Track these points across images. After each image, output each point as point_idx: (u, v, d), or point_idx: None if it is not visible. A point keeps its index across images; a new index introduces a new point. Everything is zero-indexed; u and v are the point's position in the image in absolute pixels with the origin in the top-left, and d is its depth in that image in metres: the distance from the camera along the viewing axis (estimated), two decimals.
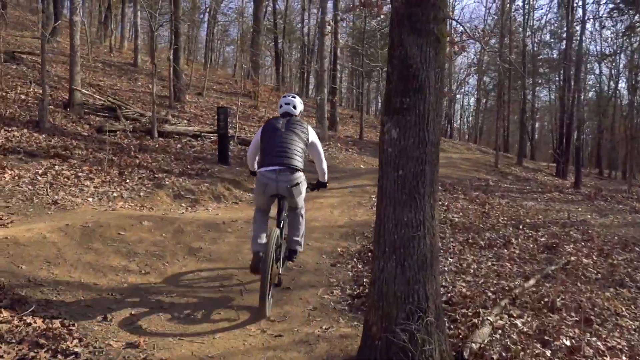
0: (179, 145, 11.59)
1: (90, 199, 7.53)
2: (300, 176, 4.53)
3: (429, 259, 3.26)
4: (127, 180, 8.62)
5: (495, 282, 5.58)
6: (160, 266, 5.49)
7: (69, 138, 9.91)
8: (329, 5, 16.23)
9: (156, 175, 9.21)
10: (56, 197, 7.24)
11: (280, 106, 4.84)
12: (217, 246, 6.35)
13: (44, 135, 9.48)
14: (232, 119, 13.97)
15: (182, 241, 6.28)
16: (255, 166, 4.98)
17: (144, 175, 9.08)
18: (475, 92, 46.59)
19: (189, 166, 10.19)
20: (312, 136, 4.77)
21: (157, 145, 11.11)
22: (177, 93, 16.29)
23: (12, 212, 6.47)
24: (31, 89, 12.11)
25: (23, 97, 11.38)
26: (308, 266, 5.90)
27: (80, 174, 8.20)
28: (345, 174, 12.45)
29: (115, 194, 7.90)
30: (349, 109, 36.08)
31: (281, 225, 4.61)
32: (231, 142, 12.81)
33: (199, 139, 12.36)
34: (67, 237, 5.66)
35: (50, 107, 11.06)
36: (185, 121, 13.89)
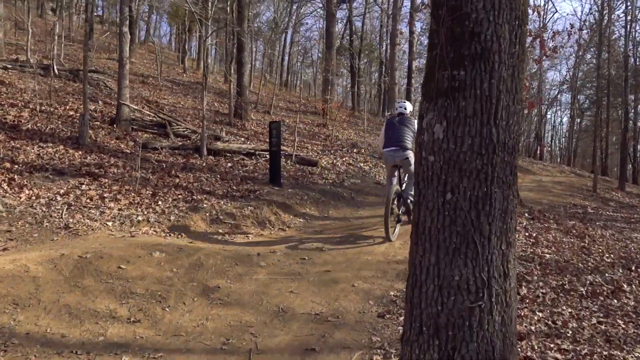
0: (229, 164, 10.68)
1: (110, 223, 6.64)
2: (409, 153, 6.94)
3: (499, 348, 1.88)
4: (160, 202, 7.72)
5: (606, 352, 4.00)
6: (157, 312, 4.39)
7: (108, 155, 9.25)
8: (403, 10, 14.88)
9: (194, 197, 8.27)
10: (70, 220, 6.43)
11: (396, 109, 7.46)
12: (241, 285, 5.19)
13: (80, 152, 8.87)
14: (293, 137, 12.98)
15: (197, 278, 5.17)
16: (382, 148, 7.33)
17: (180, 196, 8.17)
18: (569, 111, 43.18)
19: (234, 187, 9.20)
20: (416, 126, 5.69)
21: (204, 164, 10.25)
22: (240, 110, 15.57)
23: (12, 237, 5.68)
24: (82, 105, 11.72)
25: (72, 113, 10.96)
26: (347, 316, 4.58)
27: (106, 195, 7.39)
28: None
29: (140, 218, 6.99)
30: None
31: (400, 183, 7.25)
32: (288, 162, 11.76)
33: (253, 157, 11.41)
34: (54, 271, 4.71)
35: (96, 122, 10.57)
36: (242, 139, 13.03)
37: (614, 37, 29.20)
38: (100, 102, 12.63)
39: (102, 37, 28.61)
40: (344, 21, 33.24)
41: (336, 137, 16.90)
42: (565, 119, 45.28)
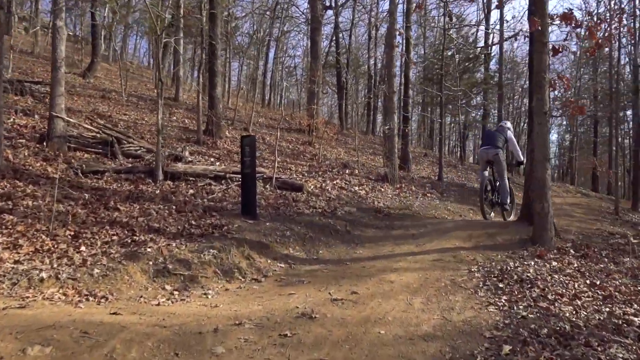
0: (190, 191, 8.57)
1: None
2: (500, 152, 8.97)
3: None
4: (82, 248, 5.59)
5: None
6: None
7: (26, 182, 7.11)
8: (399, 9, 13.02)
9: (136, 238, 6.16)
10: None
11: (496, 128, 9.74)
12: None
13: None
14: (274, 156, 10.96)
15: None
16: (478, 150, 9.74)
17: (115, 237, 6.05)
18: (557, 127, 41.84)
19: (194, 222, 7.10)
20: (509, 135, 9.21)
21: (157, 192, 8.14)
22: (211, 126, 13.50)
23: None
24: (10, 119, 9.57)
25: None
26: None
27: (1, 239, 5.21)
28: (425, 228, 8.94)
29: (45, 274, 4.85)
30: (420, 147, 32.46)
31: (493, 178, 9.35)
32: (267, 186, 9.67)
33: (222, 181, 9.33)
34: None
35: (20, 140, 8.40)
36: (212, 159, 10.94)
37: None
38: (36, 115, 10.49)
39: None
40: (330, 37, 31.64)
41: (324, 157, 14.88)
42: (555, 136, 43.74)
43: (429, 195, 12.58)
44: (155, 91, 22.01)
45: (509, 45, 29.65)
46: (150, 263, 5.69)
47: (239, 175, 9.40)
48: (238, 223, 7.45)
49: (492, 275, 6.11)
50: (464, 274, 6.24)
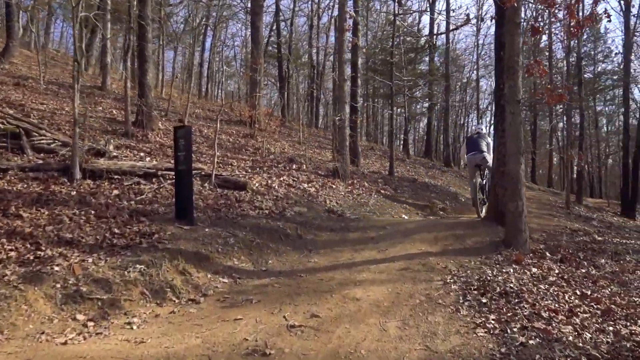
0: (115, 192, 7.36)
1: None
2: (486, 154, 9.56)
3: None
4: None
5: None
6: None
7: None
8: None
9: (40, 253, 4.98)
10: None
11: (475, 131, 10.39)
12: None
13: None
14: (213, 150, 9.89)
15: None
16: (464, 159, 10.05)
17: (12, 254, 4.84)
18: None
19: (117, 230, 5.96)
20: (488, 140, 9.87)
21: (73, 193, 6.91)
22: (141, 117, 12.18)
23: None
24: None
25: None
26: None
27: None
28: (384, 230, 8.14)
29: None
30: (363, 140, 31.87)
31: (482, 179, 9.71)
32: (206, 185, 8.58)
33: (153, 180, 8.16)
34: None
35: None
36: (142, 154, 9.69)
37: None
38: None
39: None
40: (270, 26, 30.49)
41: (268, 150, 13.85)
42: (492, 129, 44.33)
43: (382, 192, 11.82)
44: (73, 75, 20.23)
45: (452, 36, 29.51)
46: (58, 286, 4.55)
47: (173, 173, 8.29)
48: (172, 230, 6.36)
49: (471, 288, 5.35)
50: (438, 286, 5.44)
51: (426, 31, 26.25)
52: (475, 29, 30.56)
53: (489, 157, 9.49)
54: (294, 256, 6.78)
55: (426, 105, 34.20)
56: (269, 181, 9.98)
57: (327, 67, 31.96)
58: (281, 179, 10.37)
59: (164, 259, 5.45)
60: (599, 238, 9.88)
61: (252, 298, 5.11)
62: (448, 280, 5.60)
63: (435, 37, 21.43)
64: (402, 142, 29.05)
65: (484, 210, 9.55)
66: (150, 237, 5.97)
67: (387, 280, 5.69)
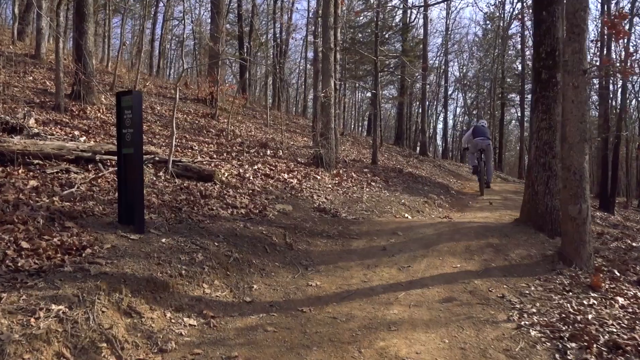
0: (32, 183, 5.34)
1: None
2: (490, 142, 11.82)
3: None
4: None
5: None
6: None
7: None
8: None
9: None
10: None
11: (481, 125, 12.35)
12: None
13: None
14: (168, 130, 7.94)
15: None
16: (466, 145, 12.22)
17: None
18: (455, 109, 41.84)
19: (26, 243, 4.01)
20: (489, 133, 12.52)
21: None
22: (79, 87, 10.00)
23: None
24: None
25: None
26: None
27: None
28: (396, 237, 6.40)
29: None
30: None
31: (482, 163, 11.68)
32: (161, 174, 6.62)
33: (90, 166, 6.13)
34: None
35: None
36: (76, 132, 7.60)
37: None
38: None
39: None
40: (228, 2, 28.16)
41: (233, 133, 11.89)
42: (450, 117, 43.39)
43: (373, 184, 10.09)
44: (11, 47, 17.69)
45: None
46: None
47: (116, 158, 6.29)
48: (112, 241, 4.41)
49: (560, 335, 3.70)
50: (512, 332, 3.75)
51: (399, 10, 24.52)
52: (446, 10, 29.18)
53: (491, 146, 12.31)
54: (285, 276, 4.95)
55: (393, 90, 32.76)
56: (241, 170, 8.07)
57: (291, 45, 30.03)
58: (255, 167, 8.48)
59: (98, 292, 3.54)
60: (635, 244, 8.44)
61: (236, 355, 3.29)
62: (519, 321, 3.91)
63: (425, 8, 19.61)
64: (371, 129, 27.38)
65: (484, 191, 12.33)
66: (78, 254, 4.02)
67: (432, 320, 3.94)
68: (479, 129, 11.84)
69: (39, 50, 16.44)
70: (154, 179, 6.47)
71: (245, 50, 25.11)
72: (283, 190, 7.67)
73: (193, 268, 4.40)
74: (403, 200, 9.35)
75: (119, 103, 4.93)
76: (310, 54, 31.66)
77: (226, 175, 7.46)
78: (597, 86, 22.83)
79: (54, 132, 7.21)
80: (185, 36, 34.86)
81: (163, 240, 4.71)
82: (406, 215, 8.27)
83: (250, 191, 7.14)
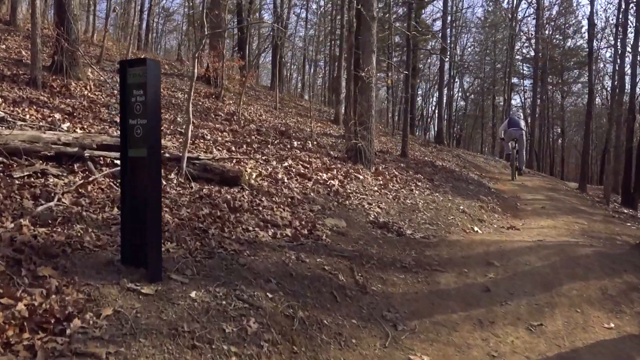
0: None
1: None
2: (523, 132, 12.55)
3: None
4: None
5: None
6: None
7: None
8: None
9: None
10: None
11: (516, 115, 13.80)
12: None
13: None
14: (169, 115, 6.28)
15: None
16: (503, 135, 12.90)
17: None
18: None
19: None
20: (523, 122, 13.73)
21: None
22: (61, 57, 8.19)
23: None
24: None
25: None
26: None
27: None
28: (493, 269, 4.80)
29: None
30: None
31: (515, 151, 12.59)
32: (172, 176, 4.93)
33: (77, 166, 4.41)
34: None
35: None
36: (57, 115, 5.87)
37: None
38: None
39: None
40: None
41: (244, 118, 10.17)
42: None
43: (420, 184, 8.47)
44: None
45: None
46: None
47: (114, 155, 4.61)
48: (114, 300, 2.77)
49: None
50: None
51: None
52: None
53: (524, 136, 12.79)
54: (372, 345, 3.36)
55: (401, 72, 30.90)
56: (270, 168, 6.39)
57: (292, 20, 28.20)
58: (286, 164, 6.80)
59: None
60: None
61: None
62: None
63: None
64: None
65: (516, 177, 13.22)
66: (58, 334, 2.37)
67: None
68: (513, 120, 12.87)
69: (15, 15, 14.51)
70: (164, 183, 4.78)
71: (245, 19, 23.21)
72: (327, 197, 6.01)
73: (247, 347, 2.76)
74: (461, 207, 7.75)
75: (123, 78, 3.23)
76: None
77: (254, 176, 5.78)
78: None
79: (27, 116, 5.46)
80: (173, 9, 32.68)
81: (192, 294, 3.05)
82: (475, 228, 6.68)
83: (289, 199, 5.47)
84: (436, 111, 21.35)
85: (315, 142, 8.84)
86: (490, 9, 33.08)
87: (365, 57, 8.09)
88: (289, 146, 8.03)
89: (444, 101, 21.71)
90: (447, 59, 18.75)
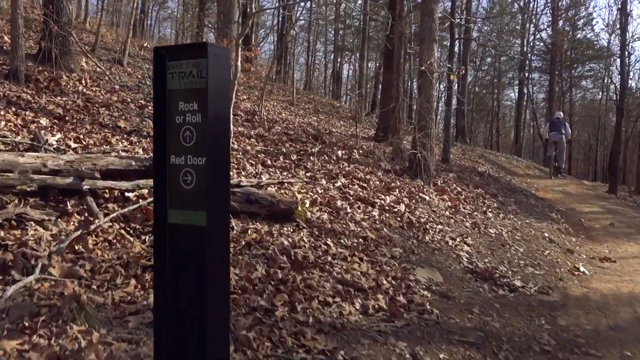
0: None
1: None
2: (563, 136, 13.06)
3: None
4: None
5: None
6: None
7: None
8: None
9: None
10: None
11: (556, 118, 13.79)
12: None
13: None
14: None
15: None
16: (546, 135, 13.68)
17: None
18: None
19: None
20: (567, 124, 13.90)
21: None
22: (51, 44, 6.68)
23: None
24: None
25: None
26: None
27: None
28: None
29: None
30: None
31: (555, 153, 13.44)
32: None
33: (71, 203, 2.95)
34: None
35: None
36: (41, 121, 4.39)
37: None
38: None
39: None
40: None
41: (267, 118, 8.71)
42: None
43: (487, 202, 7.07)
44: None
45: None
46: None
47: (125, 186, 3.16)
48: None
49: None
50: None
51: None
52: None
53: (564, 139, 13.24)
54: None
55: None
56: (322, 191, 4.95)
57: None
58: (338, 184, 5.35)
59: None
60: None
61: None
62: None
63: None
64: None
65: (553, 177, 13.91)
66: None
67: None
68: (554, 124, 13.56)
69: None
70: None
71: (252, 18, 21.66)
72: (402, 233, 4.59)
73: None
74: (544, 232, 6.39)
75: (159, 80, 1.78)
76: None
77: (307, 204, 4.34)
78: None
79: (2, 124, 3.99)
80: None
81: None
82: (580, 268, 5.28)
83: (361, 240, 4.05)
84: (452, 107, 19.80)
85: (360, 151, 7.39)
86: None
87: (427, 48, 6.63)
88: (334, 157, 6.56)
89: (466, 95, 20.20)
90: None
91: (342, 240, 3.95)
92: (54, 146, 3.67)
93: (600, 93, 34.34)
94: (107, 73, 7.73)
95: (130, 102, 6.71)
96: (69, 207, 3.05)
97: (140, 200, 3.26)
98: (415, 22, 13.10)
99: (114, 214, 3.06)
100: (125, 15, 19.45)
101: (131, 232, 3.08)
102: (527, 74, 30.07)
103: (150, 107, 6.81)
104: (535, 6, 29.10)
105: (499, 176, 11.46)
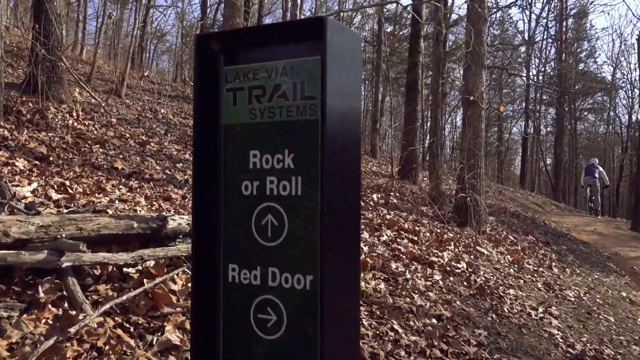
0: None
1: None
2: (597, 180, 14.35)
3: None
4: None
5: None
6: None
7: None
8: None
9: None
10: None
11: (590, 164, 15.33)
12: None
13: None
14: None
15: None
16: (582, 180, 15.21)
17: None
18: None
19: None
20: (600, 169, 14.82)
21: None
22: (37, 71, 5.80)
23: None
24: None
25: None
26: None
27: None
28: None
29: None
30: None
31: (591, 195, 14.90)
32: None
33: (46, 286, 1.98)
34: None
35: None
36: (18, 162, 3.46)
37: None
38: None
39: None
40: None
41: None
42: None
43: (543, 252, 6.11)
44: None
45: None
46: None
47: (123, 259, 2.18)
48: None
49: None
50: None
51: None
52: None
53: (598, 183, 14.40)
54: None
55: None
56: (368, 249, 3.99)
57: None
58: (384, 238, 4.40)
59: None
60: None
61: None
62: None
63: None
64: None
65: (599, 214, 15.30)
66: None
67: None
68: (589, 169, 14.89)
69: None
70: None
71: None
72: (475, 304, 3.63)
73: None
74: (621, 291, 5.39)
75: (203, 103, 0.85)
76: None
77: (368, 276, 3.39)
78: None
79: None
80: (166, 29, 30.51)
81: None
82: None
83: (434, 321, 3.08)
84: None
85: (397, 194, 6.45)
86: (497, 33, 31.07)
87: (473, 73, 5.77)
88: (371, 203, 5.62)
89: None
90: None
91: (410, 322, 2.99)
92: (26, 201, 2.73)
93: (606, 126, 33.93)
94: (103, 104, 6.85)
95: (129, 137, 5.81)
96: (41, 295, 2.10)
97: (145, 281, 2.30)
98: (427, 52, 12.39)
99: (107, 305, 2.10)
100: (123, 46, 18.70)
101: (132, 329, 2.12)
102: (534, 106, 29.49)
103: (152, 144, 5.90)
104: (543, 37, 28.84)
105: (533, 216, 10.52)
